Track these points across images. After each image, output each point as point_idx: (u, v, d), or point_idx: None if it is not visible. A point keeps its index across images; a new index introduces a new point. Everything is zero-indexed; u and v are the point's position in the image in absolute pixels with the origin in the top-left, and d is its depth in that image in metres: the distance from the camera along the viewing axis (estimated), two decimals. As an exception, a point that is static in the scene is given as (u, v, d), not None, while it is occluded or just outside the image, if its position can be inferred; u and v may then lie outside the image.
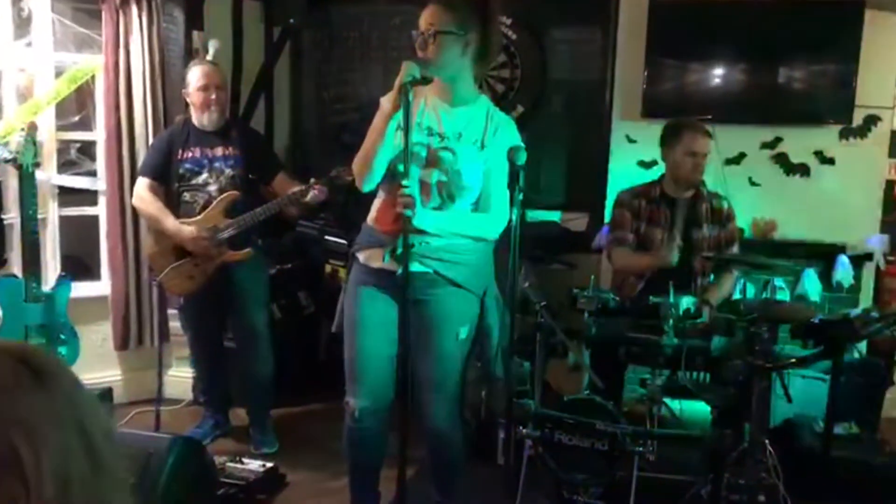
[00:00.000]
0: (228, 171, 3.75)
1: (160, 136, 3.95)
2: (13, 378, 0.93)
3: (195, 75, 3.75)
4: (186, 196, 3.72)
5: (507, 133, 2.75)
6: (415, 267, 2.65)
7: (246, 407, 4.12)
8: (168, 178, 3.74)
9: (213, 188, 3.72)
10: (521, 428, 3.38)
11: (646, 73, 4.54)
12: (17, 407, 0.90)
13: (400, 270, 2.54)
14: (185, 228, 3.67)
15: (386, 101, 2.63)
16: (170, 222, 3.68)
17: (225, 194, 3.71)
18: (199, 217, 3.70)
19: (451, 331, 2.81)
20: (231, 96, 4.75)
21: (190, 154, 3.73)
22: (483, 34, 2.66)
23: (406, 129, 2.48)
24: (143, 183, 3.76)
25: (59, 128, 4.31)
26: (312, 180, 3.63)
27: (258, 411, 4.03)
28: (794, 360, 3.35)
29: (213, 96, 3.74)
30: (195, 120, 3.78)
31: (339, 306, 2.99)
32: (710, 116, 4.28)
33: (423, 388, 2.84)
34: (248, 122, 4.74)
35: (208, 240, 3.66)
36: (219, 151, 3.76)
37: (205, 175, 3.73)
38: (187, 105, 3.85)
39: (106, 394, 2.61)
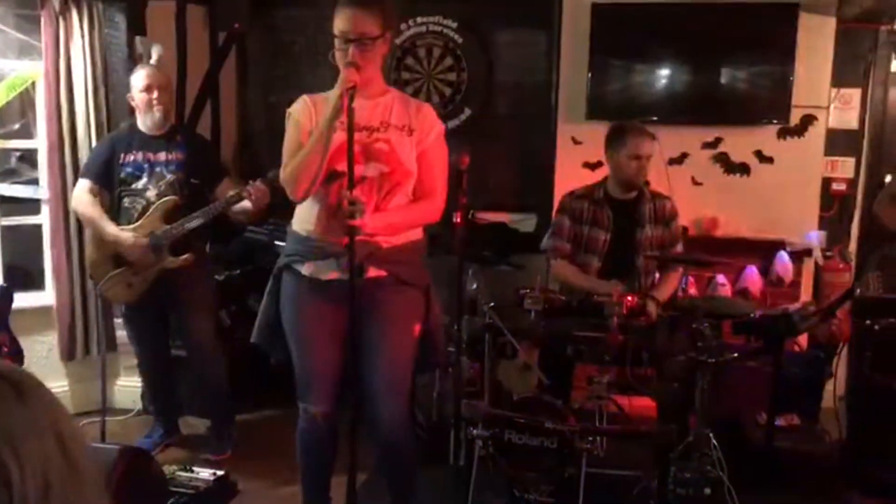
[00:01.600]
0: (170, 177, 3.70)
1: (103, 139, 3.92)
2: None
3: (138, 78, 3.72)
4: (126, 202, 3.68)
5: (428, 114, 2.79)
6: (371, 272, 2.68)
7: (202, 415, 4.10)
8: (110, 183, 3.70)
9: (151, 193, 3.68)
10: (471, 428, 3.42)
11: (589, 76, 4.62)
12: (2, 421, 0.96)
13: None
14: (122, 234, 3.62)
15: (303, 109, 2.71)
16: (108, 228, 3.64)
17: (163, 199, 3.67)
18: (137, 223, 3.66)
19: (407, 329, 2.83)
20: (176, 101, 4.72)
21: (132, 158, 3.69)
22: (395, 30, 2.72)
23: (350, 133, 2.50)
24: (83, 185, 3.70)
25: (-1, 136, 4.24)
26: (250, 182, 3.58)
27: (214, 418, 4.01)
28: (735, 355, 3.44)
29: (156, 96, 3.70)
30: (140, 124, 3.75)
31: (259, 319, 2.97)
32: (654, 118, 4.39)
33: (379, 390, 2.85)
34: (193, 128, 4.69)
35: (145, 246, 3.62)
36: (161, 156, 3.72)
37: (144, 180, 3.69)
38: (132, 111, 3.81)
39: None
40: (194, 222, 3.63)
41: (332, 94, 2.61)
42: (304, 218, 2.83)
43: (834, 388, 4.16)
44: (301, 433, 2.97)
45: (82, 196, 3.69)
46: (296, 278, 2.84)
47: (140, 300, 3.75)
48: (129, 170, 3.69)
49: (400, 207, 2.77)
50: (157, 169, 3.71)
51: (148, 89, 3.68)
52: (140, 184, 3.69)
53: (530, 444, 3.22)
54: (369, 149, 2.69)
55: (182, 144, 3.76)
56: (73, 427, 1.05)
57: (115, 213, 3.69)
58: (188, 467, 3.51)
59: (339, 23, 2.64)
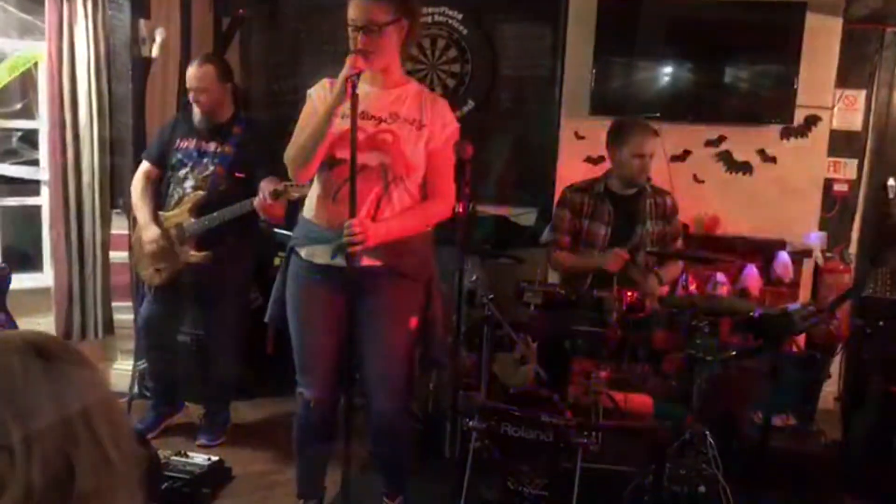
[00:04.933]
0: (211, 169, 3.67)
1: (167, 121, 3.94)
2: (21, 366, 0.97)
3: (191, 72, 3.71)
4: (171, 188, 3.71)
5: (442, 112, 2.78)
6: (365, 261, 2.67)
7: (202, 400, 4.09)
8: (164, 166, 3.72)
9: (189, 184, 3.68)
10: (467, 420, 3.42)
11: (593, 71, 4.60)
12: (17, 393, 0.94)
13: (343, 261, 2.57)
14: (148, 227, 3.64)
15: (320, 92, 2.71)
16: (142, 215, 3.66)
17: (194, 192, 3.66)
18: (170, 212, 3.69)
19: (402, 322, 2.83)
20: (178, 86, 4.70)
21: (185, 144, 3.71)
22: (413, 18, 2.70)
23: (353, 121, 2.49)
24: (142, 167, 3.74)
25: (0, 115, 4.21)
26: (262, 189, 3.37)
27: (210, 404, 4.00)
28: (733, 353, 3.43)
29: (201, 98, 3.68)
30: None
31: (272, 295, 2.98)
32: (657, 115, 4.37)
33: (372, 381, 2.85)
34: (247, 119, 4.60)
35: (164, 241, 3.65)
36: (212, 146, 3.70)
37: (187, 168, 3.69)
38: None
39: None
40: (225, 217, 3.59)
41: (339, 81, 2.60)
42: (308, 203, 2.85)
43: (835, 390, 4.18)
44: (297, 419, 2.97)
45: (137, 179, 3.74)
46: (298, 260, 2.86)
47: (168, 285, 3.76)
48: (179, 156, 3.70)
49: (407, 212, 2.76)
50: (204, 160, 3.68)
51: (190, 90, 3.71)
52: (183, 172, 3.69)
53: (526, 437, 3.22)
54: (373, 138, 2.68)
55: (236, 137, 3.71)
56: (111, 413, 1.02)
57: (163, 197, 3.71)
58: (183, 452, 3.52)
59: (350, 10, 2.64)
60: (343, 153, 2.57)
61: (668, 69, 4.62)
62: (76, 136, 4.14)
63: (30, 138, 4.38)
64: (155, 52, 4.17)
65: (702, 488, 3.23)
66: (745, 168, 4.63)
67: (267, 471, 3.68)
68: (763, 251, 4.56)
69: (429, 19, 5.08)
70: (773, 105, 4.51)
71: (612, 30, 4.56)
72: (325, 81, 2.79)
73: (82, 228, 4.21)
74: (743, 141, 4.61)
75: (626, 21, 4.54)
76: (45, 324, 4.32)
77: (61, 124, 4.13)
